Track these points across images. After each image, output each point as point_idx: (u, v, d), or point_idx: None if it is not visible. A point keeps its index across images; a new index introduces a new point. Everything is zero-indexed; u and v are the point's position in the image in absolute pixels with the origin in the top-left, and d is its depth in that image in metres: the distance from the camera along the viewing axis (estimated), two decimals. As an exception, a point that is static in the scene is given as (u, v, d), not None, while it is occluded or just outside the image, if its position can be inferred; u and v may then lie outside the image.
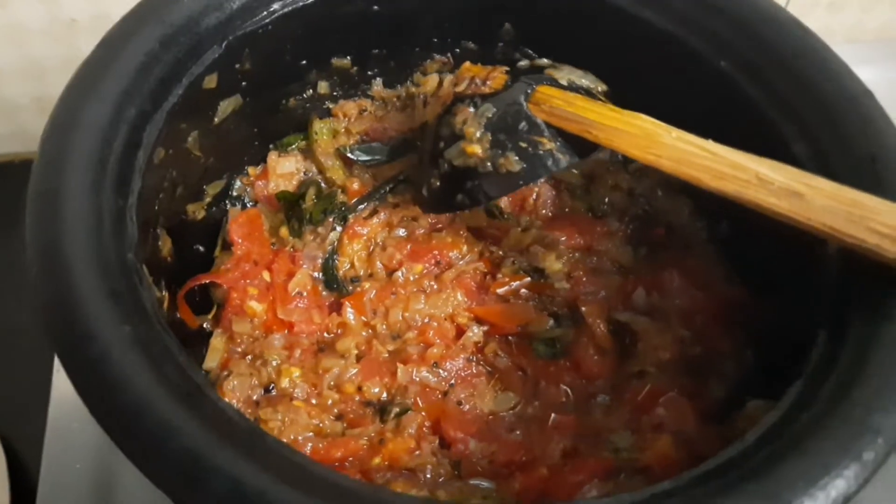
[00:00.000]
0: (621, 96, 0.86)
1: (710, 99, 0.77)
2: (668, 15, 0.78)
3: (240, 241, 0.78)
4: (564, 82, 0.76)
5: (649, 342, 0.75)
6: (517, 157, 0.72)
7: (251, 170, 0.86)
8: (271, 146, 0.87)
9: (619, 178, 0.89)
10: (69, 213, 0.55)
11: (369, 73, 0.90)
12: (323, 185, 0.85)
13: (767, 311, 0.71)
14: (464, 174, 0.75)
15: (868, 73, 0.72)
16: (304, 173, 0.86)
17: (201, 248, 0.81)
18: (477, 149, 0.73)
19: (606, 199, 0.88)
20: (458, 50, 0.90)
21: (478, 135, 0.73)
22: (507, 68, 0.79)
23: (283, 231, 0.82)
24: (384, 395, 0.74)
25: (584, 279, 0.81)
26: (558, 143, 0.72)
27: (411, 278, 0.81)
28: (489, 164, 0.73)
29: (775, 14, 0.74)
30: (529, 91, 0.73)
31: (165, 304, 0.70)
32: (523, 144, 0.72)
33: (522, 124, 0.72)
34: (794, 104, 0.70)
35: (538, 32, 0.87)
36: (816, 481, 0.48)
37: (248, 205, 0.85)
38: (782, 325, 0.68)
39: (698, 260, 0.82)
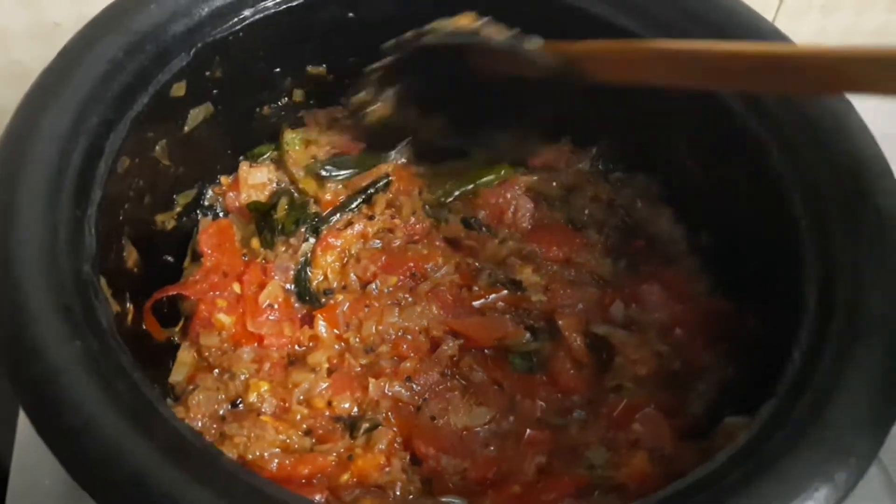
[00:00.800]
0: (602, 108, 0.86)
1: (693, 112, 0.76)
2: (648, 23, 0.76)
3: (209, 251, 0.77)
4: None
5: (627, 356, 0.74)
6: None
7: (223, 179, 0.84)
8: (241, 157, 0.85)
9: (599, 188, 0.88)
10: (21, 226, 0.54)
11: (346, 81, 0.89)
12: (295, 195, 0.83)
13: (748, 326, 0.70)
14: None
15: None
16: (277, 184, 0.84)
17: (171, 259, 0.79)
18: (466, 20, 0.73)
19: (586, 211, 0.87)
20: (434, 58, 0.89)
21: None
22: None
23: (255, 242, 0.80)
24: (355, 409, 0.72)
25: (562, 292, 0.79)
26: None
27: (386, 290, 0.79)
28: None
29: (756, 25, 0.73)
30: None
31: (130, 317, 0.69)
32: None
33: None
34: (777, 117, 0.69)
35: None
36: (788, 502, 0.46)
37: (220, 215, 0.83)
38: (760, 340, 0.67)
39: (679, 272, 0.81)
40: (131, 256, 0.71)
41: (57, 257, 0.55)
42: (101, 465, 0.45)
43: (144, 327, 0.70)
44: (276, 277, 0.78)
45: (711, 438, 0.64)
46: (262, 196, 0.82)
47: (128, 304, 0.69)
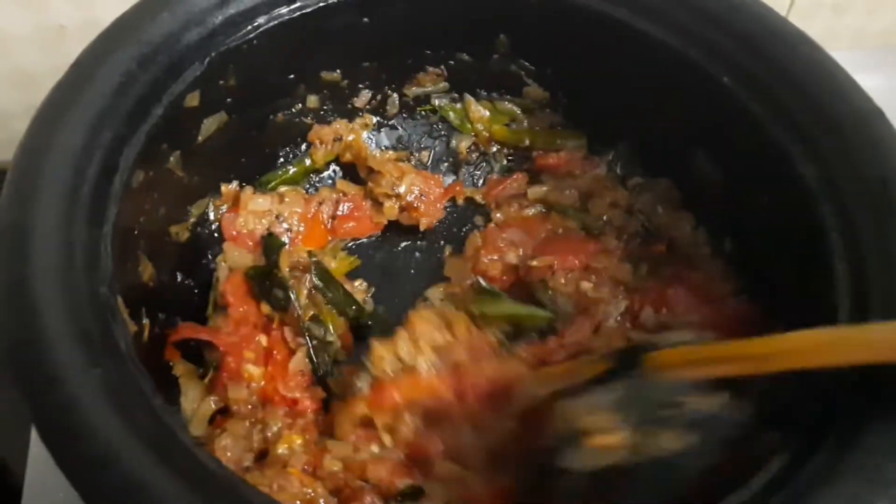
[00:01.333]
0: (619, 112, 0.84)
1: (713, 117, 0.74)
2: (669, 27, 0.74)
3: (234, 301, 0.74)
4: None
5: None
6: (672, 431, 0.54)
7: (224, 188, 0.82)
8: (245, 184, 0.83)
9: (618, 194, 0.86)
10: (36, 248, 0.52)
11: (360, 85, 0.87)
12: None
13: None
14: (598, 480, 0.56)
15: (873, 81, 0.69)
16: (277, 217, 0.82)
17: (182, 277, 0.77)
18: (612, 439, 0.55)
19: (604, 217, 0.85)
20: (451, 62, 0.87)
21: (607, 422, 0.56)
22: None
23: (264, 308, 0.75)
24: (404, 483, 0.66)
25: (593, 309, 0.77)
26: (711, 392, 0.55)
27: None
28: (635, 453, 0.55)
29: (782, 28, 0.71)
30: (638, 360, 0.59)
31: (146, 334, 0.68)
32: (666, 413, 0.55)
33: (653, 392, 0.56)
34: (802, 124, 0.67)
35: (534, 44, 0.84)
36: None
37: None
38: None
39: (704, 275, 0.78)
40: (147, 271, 0.70)
41: (74, 280, 0.53)
42: (122, 498, 0.44)
43: (166, 357, 0.69)
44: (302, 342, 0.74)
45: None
46: (259, 225, 0.80)
47: (144, 320, 0.68)
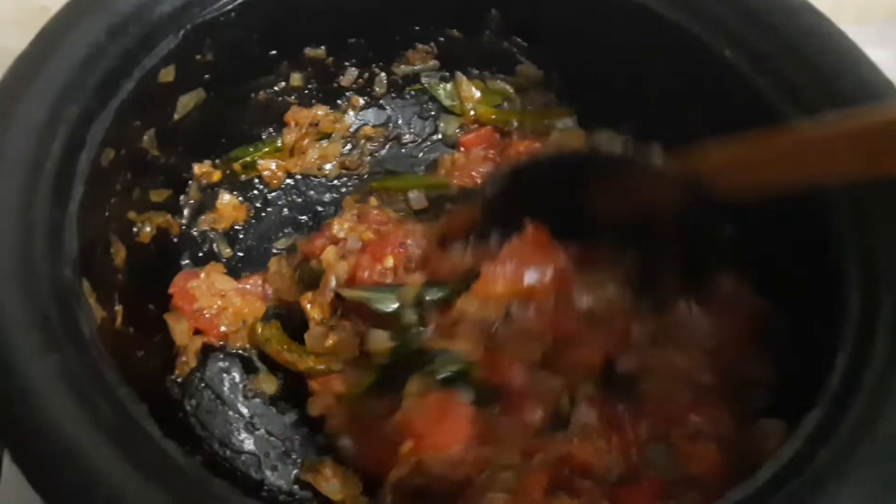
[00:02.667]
0: (617, 90, 0.81)
1: (716, 91, 0.71)
2: (669, 0, 0.71)
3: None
4: None
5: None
6: None
7: (197, 168, 0.78)
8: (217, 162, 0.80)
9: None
10: (-8, 228, 0.49)
11: (346, 63, 0.84)
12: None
13: (784, 327, 0.65)
14: None
15: (881, 55, 0.65)
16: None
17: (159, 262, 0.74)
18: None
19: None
20: (441, 39, 0.84)
21: None
22: None
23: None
24: None
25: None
26: None
27: None
28: None
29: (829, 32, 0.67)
30: None
31: (119, 320, 0.64)
32: None
33: None
34: (809, 98, 0.63)
35: (527, 19, 0.81)
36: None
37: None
38: (798, 343, 0.62)
39: None
40: (119, 254, 0.66)
41: (33, 261, 0.50)
42: (77, 491, 0.41)
43: (132, 330, 0.65)
44: None
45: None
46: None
47: (116, 306, 0.64)
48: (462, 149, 0.84)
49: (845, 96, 0.62)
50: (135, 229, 0.70)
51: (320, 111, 0.85)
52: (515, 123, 0.86)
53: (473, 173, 0.82)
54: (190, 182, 0.77)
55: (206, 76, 0.72)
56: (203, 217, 0.79)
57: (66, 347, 0.47)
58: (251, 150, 0.82)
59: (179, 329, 0.71)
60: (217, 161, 0.80)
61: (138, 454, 0.43)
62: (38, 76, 0.57)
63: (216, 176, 0.79)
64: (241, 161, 0.82)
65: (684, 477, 0.58)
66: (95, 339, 0.50)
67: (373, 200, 0.80)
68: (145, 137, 0.68)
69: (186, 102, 0.72)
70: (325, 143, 0.85)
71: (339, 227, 0.73)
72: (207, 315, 0.72)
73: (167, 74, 0.67)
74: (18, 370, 0.44)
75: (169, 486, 0.42)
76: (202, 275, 0.73)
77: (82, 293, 0.52)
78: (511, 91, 0.87)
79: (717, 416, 0.61)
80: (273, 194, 0.83)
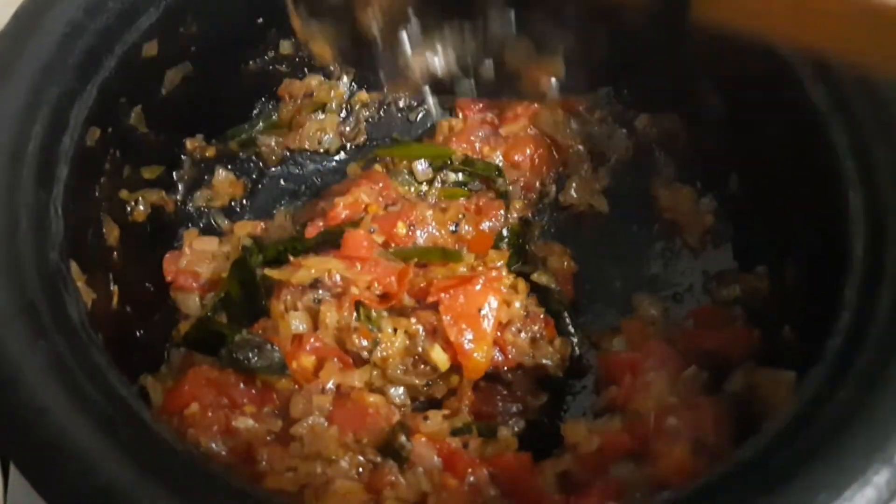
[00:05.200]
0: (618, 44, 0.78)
1: (719, 42, 0.67)
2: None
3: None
4: None
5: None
6: None
7: (189, 143, 0.76)
8: (212, 139, 0.78)
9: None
10: (-27, 213, 0.48)
11: (336, 28, 0.82)
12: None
13: (785, 290, 0.63)
14: None
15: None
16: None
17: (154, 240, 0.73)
18: None
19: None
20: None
21: None
22: None
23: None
24: None
25: None
26: None
27: None
28: None
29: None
30: None
31: (115, 299, 0.64)
32: None
33: None
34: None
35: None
36: (841, 492, 0.41)
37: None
38: (801, 301, 0.60)
39: None
40: (112, 234, 0.66)
41: (18, 246, 0.50)
42: (69, 481, 0.41)
43: (129, 310, 0.65)
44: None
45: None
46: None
47: (112, 287, 0.64)
48: (459, 114, 0.82)
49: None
50: (128, 208, 0.69)
51: (314, 81, 0.83)
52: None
53: (472, 138, 0.80)
54: (183, 157, 0.76)
55: (192, 49, 0.71)
56: (199, 193, 0.78)
57: (54, 333, 0.47)
58: (246, 127, 0.81)
59: (191, 303, 0.71)
60: (212, 140, 0.79)
61: (128, 439, 0.43)
62: (15, 58, 0.56)
63: (210, 151, 0.78)
64: (237, 139, 0.80)
65: (648, 476, 0.56)
66: (84, 323, 0.49)
67: (378, 168, 0.78)
68: (133, 114, 0.67)
69: (173, 77, 0.70)
70: (321, 115, 0.84)
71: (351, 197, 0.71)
72: (212, 279, 0.72)
73: (150, 49, 0.66)
74: (5, 358, 0.44)
75: (159, 471, 0.42)
76: (185, 249, 0.72)
77: (70, 277, 0.52)
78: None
79: (695, 418, 0.58)
80: (271, 169, 0.82)
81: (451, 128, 0.81)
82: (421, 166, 0.78)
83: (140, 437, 0.44)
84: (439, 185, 0.76)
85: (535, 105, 0.80)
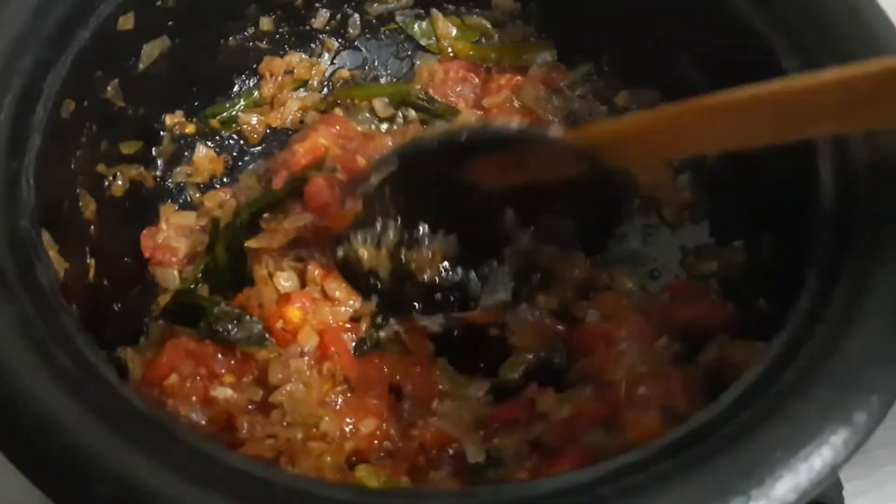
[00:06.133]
0: (596, 20, 0.78)
1: (694, 15, 0.68)
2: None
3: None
4: None
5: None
6: None
7: (168, 118, 0.76)
8: (192, 117, 0.78)
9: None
10: (-60, 180, 0.49)
11: (316, 5, 0.82)
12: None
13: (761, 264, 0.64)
14: None
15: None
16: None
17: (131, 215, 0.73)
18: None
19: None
20: (418, -21, 0.82)
21: None
22: None
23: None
24: None
25: None
26: None
27: None
28: None
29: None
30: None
31: (92, 273, 0.64)
32: None
33: None
34: (784, 14, 0.61)
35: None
36: (797, 450, 0.41)
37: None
38: (780, 268, 0.60)
39: None
40: (89, 207, 0.66)
41: (-13, 213, 0.50)
42: (31, 437, 0.41)
43: (107, 283, 0.65)
44: None
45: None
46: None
47: (88, 260, 0.64)
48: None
49: (821, 10, 0.60)
50: (106, 182, 0.69)
51: (295, 58, 0.83)
52: (493, 57, 0.84)
53: (449, 92, 0.81)
54: (162, 133, 0.76)
55: (170, 23, 0.71)
56: (179, 169, 0.78)
57: (22, 296, 0.47)
58: (227, 105, 0.81)
59: (170, 277, 0.71)
60: (193, 119, 0.79)
61: (92, 399, 0.43)
62: (-13, 27, 0.56)
63: (189, 128, 0.78)
64: (218, 117, 0.80)
65: (619, 444, 0.55)
66: (54, 289, 0.50)
67: (338, 111, 0.80)
68: (109, 88, 0.67)
69: (151, 51, 0.71)
70: (303, 92, 0.84)
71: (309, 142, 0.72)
72: (190, 253, 0.72)
73: (126, 22, 0.66)
74: (-30, 320, 0.44)
75: (125, 431, 0.42)
76: (162, 225, 0.72)
77: (41, 244, 0.52)
78: (489, 26, 0.85)
79: (666, 387, 0.59)
80: (252, 148, 0.82)
81: (432, 75, 0.81)
82: (381, 103, 0.79)
83: (107, 399, 0.44)
84: (400, 121, 0.79)
85: (518, 78, 0.81)
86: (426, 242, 0.67)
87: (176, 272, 0.72)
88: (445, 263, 0.67)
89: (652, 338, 0.63)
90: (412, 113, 0.79)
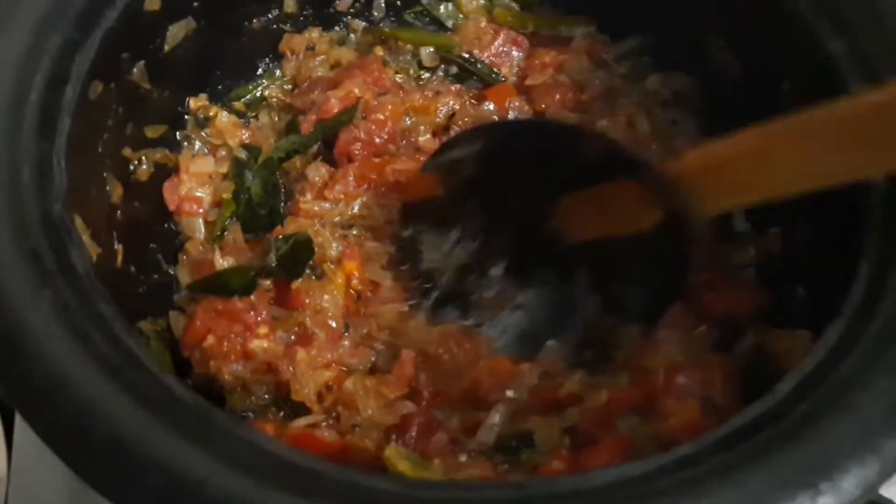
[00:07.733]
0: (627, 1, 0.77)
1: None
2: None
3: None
4: None
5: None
6: None
7: (192, 102, 0.75)
8: (215, 101, 0.77)
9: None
10: (-27, 163, 0.47)
11: (343, -16, 0.80)
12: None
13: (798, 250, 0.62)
14: None
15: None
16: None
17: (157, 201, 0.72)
18: None
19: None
20: (446, -41, 0.80)
21: None
22: None
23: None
24: None
25: None
26: None
27: None
28: None
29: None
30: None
31: (120, 258, 0.63)
32: None
33: None
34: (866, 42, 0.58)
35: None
36: (865, 442, 0.40)
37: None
38: (819, 254, 0.59)
39: None
40: (116, 192, 0.64)
41: (21, 197, 0.49)
42: (74, 427, 0.40)
43: (133, 269, 0.64)
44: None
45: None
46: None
47: (116, 245, 0.63)
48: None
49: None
50: (131, 167, 0.68)
51: (314, 33, 0.81)
52: (531, 27, 0.82)
53: (493, 56, 0.80)
54: (186, 117, 0.75)
55: (195, 4, 0.69)
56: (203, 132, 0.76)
57: (59, 282, 0.46)
58: (250, 87, 0.80)
59: (195, 226, 0.72)
60: (217, 102, 0.77)
61: (134, 387, 0.42)
62: (13, 7, 0.55)
63: (213, 111, 0.77)
64: (242, 100, 0.79)
65: (656, 433, 0.55)
66: (89, 274, 0.48)
67: (378, 50, 0.80)
68: (135, 70, 0.66)
69: (176, 33, 0.69)
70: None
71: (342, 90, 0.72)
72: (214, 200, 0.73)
73: (153, 3, 0.64)
74: (10, 306, 0.43)
75: (168, 419, 0.41)
76: (183, 176, 0.72)
77: (74, 228, 0.51)
78: (516, 7, 0.83)
79: (705, 377, 0.58)
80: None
81: (479, 34, 0.81)
82: (427, 52, 0.80)
83: (148, 385, 0.43)
84: (441, 75, 0.80)
85: (562, 56, 0.79)
86: (496, 284, 0.66)
87: (201, 221, 0.72)
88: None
89: (691, 326, 0.62)
90: (454, 69, 0.80)
